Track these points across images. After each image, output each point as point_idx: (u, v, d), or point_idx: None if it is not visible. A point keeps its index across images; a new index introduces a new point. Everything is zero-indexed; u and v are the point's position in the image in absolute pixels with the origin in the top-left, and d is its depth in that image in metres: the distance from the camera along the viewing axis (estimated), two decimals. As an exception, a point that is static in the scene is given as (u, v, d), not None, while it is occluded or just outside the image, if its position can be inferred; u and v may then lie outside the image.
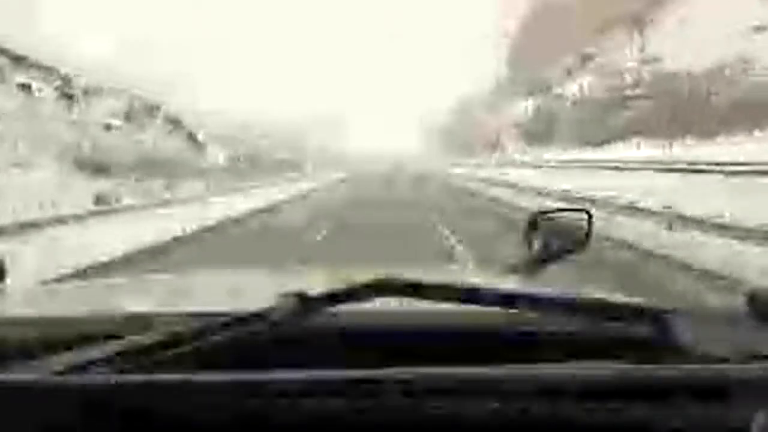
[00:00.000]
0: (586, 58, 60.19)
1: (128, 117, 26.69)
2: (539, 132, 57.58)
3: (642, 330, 0.68)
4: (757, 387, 0.57)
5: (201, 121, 39.74)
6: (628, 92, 45.62)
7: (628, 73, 48.18)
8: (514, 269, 1.46)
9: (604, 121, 45.22)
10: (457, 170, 47.51)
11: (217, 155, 32.98)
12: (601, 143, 43.12)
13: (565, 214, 1.67)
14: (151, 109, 31.19)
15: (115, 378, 0.56)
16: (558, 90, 61.98)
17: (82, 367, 0.58)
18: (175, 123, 31.02)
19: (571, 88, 58.65)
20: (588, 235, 1.52)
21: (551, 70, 66.46)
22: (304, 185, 30.21)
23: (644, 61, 46.94)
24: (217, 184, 25.18)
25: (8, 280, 1.27)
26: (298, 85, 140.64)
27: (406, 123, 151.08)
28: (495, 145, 69.68)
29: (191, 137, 31.30)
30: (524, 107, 67.74)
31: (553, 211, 1.62)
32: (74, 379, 0.56)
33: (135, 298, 1.20)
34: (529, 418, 0.55)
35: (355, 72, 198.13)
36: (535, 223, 1.50)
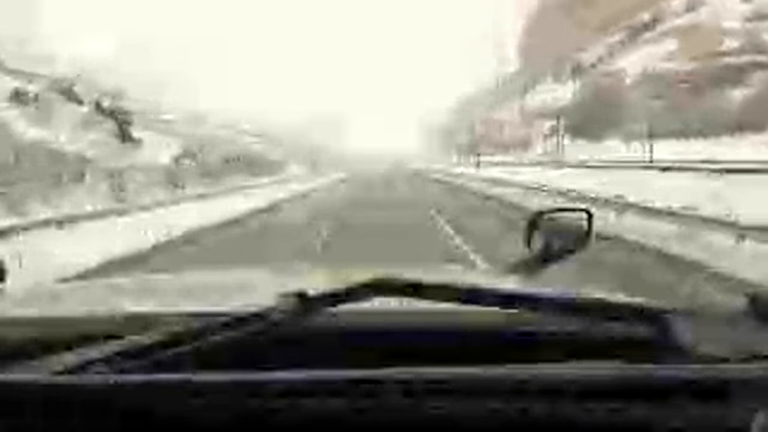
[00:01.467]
0: (643, 28, 46.63)
1: (22, 101, 20.79)
2: (586, 123, 41.76)
3: (642, 330, 0.68)
4: (757, 387, 0.57)
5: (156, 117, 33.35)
6: (731, 60, 28.44)
7: (726, 36, 29.98)
8: (514, 269, 1.46)
9: (694, 105, 29.33)
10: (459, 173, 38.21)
11: (157, 154, 24.80)
12: (694, 134, 27.73)
13: (566, 213, 1.67)
14: (78, 97, 24.72)
15: (115, 378, 0.56)
16: (608, 66, 47.40)
17: (82, 367, 0.58)
18: (108, 114, 24.42)
19: (629, 62, 43.67)
20: (588, 234, 1.52)
21: (589, 46, 53.58)
22: (259, 201, 18.20)
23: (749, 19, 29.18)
24: (137, 194, 17.89)
25: (8, 280, 1.27)
26: (299, 85, 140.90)
27: (406, 123, 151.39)
28: (504, 144, 57.29)
29: (123, 132, 24.32)
30: (555, 93, 54.35)
31: (553, 211, 1.62)
32: (74, 379, 0.56)
33: (135, 298, 1.20)
34: (529, 418, 0.55)
35: (355, 72, 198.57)
36: (535, 222, 1.50)
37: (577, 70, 55.37)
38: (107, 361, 0.59)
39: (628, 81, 42.24)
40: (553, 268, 1.48)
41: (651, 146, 28.39)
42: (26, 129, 18.67)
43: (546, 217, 1.53)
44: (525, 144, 56.06)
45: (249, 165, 35.00)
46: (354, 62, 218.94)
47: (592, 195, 13.59)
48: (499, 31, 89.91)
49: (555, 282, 1.45)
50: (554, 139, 46.62)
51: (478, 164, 41.59)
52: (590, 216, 1.54)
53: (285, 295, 0.67)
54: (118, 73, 49.15)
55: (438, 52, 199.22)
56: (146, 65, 63.86)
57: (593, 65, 53.12)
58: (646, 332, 0.67)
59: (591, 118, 41.70)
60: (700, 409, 0.56)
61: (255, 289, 1.27)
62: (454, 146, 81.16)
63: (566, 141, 44.90)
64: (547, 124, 51.53)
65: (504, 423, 0.55)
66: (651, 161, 25.80)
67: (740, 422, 0.55)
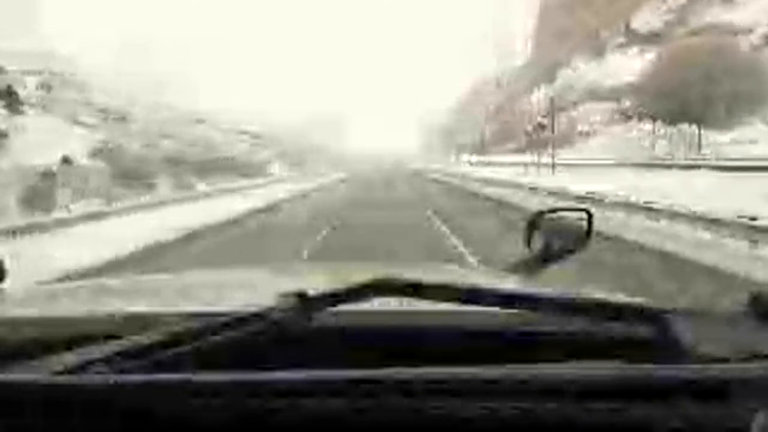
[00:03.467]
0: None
1: None
2: (683, 104, 26.68)
3: (642, 330, 0.68)
4: (757, 387, 0.56)
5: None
6: None
7: None
8: (514, 269, 1.46)
9: None
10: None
11: (38, 153, 17.10)
12: None
13: (566, 213, 1.67)
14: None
15: (115, 378, 0.56)
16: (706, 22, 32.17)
17: (82, 367, 0.58)
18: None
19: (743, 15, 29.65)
20: (588, 234, 1.52)
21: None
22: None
23: None
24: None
25: (8, 280, 1.27)
26: (299, 85, 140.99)
27: (406, 123, 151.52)
28: (531, 141, 40.89)
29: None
30: (612, 67, 39.89)
31: (553, 211, 1.62)
32: (74, 379, 0.56)
33: (135, 298, 1.20)
34: (529, 418, 0.55)
35: (355, 72, 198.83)
36: (535, 222, 1.50)
37: (637, 36, 38.79)
38: (107, 361, 0.59)
39: (748, 40, 28.70)
40: (553, 268, 1.48)
41: None
42: None
43: (546, 217, 1.53)
44: (564, 139, 41.96)
45: (201, 166, 25.82)
46: (354, 62, 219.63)
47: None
48: (501, 31, 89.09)
49: (555, 282, 1.45)
50: (614, 127, 32.47)
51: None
52: (590, 216, 1.54)
53: (285, 295, 0.67)
54: (118, 72, 49.13)
55: (438, 52, 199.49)
56: (146, 65, 63.88)
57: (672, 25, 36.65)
58: (646, 332, 0.67)
59: (690, 97, 25.93)
60: (700, 409, 0.55)
61: (255, 289, 1.27)
62: (454, 146, 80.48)
63: (646, 126, 31.10)
64: (601, 108, 37.33)
65: (504, 423, 0.55)
66: None
67: (740, 422, 0.55)
